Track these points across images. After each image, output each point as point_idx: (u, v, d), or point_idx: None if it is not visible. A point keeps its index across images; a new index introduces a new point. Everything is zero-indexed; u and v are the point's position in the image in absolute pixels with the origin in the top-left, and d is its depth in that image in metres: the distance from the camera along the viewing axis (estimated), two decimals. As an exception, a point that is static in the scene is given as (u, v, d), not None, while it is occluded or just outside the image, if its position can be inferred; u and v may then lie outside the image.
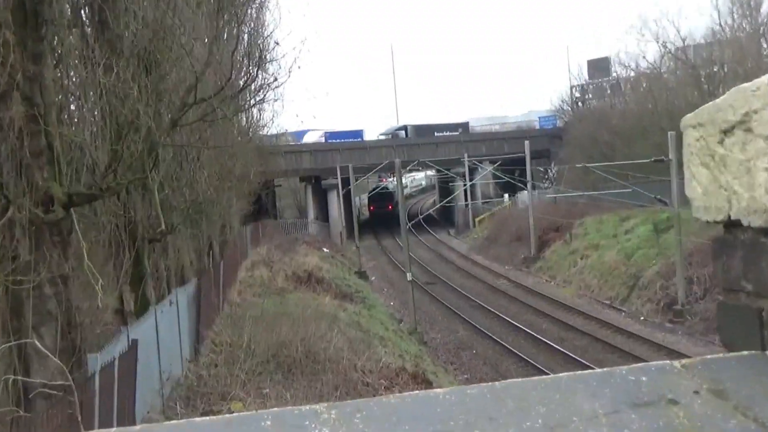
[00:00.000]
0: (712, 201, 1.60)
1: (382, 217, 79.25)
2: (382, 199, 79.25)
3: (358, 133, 64.93)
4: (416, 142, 64.42)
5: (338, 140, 60.69)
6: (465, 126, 71.06)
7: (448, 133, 67.41)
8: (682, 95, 42.67)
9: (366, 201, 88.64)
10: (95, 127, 10.74)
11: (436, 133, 66.47)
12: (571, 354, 24.59)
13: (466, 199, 61.74)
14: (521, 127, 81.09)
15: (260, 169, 30.71)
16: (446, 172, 60.64)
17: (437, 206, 63.58)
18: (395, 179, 30.02)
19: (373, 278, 44.19)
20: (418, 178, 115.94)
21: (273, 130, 35.75)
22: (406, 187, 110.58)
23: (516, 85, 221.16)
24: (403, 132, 66.83)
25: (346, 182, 53.82)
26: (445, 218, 76.37)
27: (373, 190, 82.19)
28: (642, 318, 28.10)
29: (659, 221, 32.80)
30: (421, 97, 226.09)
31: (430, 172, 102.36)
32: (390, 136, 65.79)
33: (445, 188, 70.75)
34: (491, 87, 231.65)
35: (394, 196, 78.13)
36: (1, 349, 7.08)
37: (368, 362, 16.90)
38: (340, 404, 1.30)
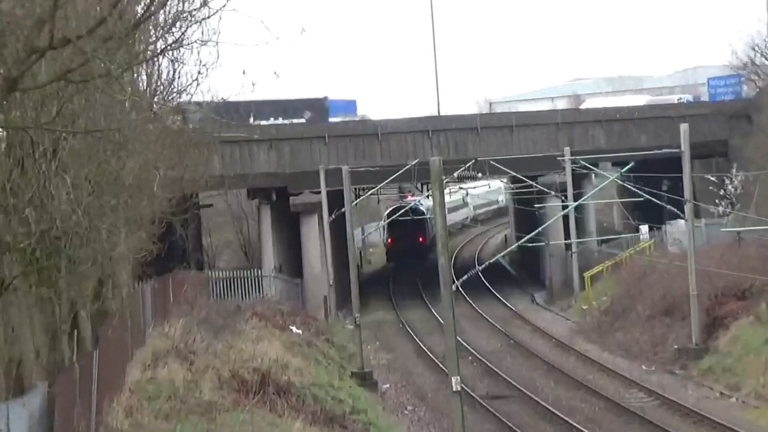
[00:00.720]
0: None
1: (408, 258, 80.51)
2: (408, 227, 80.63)
3: None
4: (472, 126, 64.82)
5: None
6: (318, 106, 70.70)
7: (282, 121, 65.89)
8: None
9: (375, 234, 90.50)
10: None
11: (253, 120, 64.37)
12: None
13: (566, 236, 61.66)
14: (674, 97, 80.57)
15: (174, 173, 31.37)
16: (529, 182, 60.37)
17: (511, 248, 63.46)
18: (431, 193, 29.84)
19: (386, 386, 44.55)
20: (479, 192, 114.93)
21: (197, 97, 35.99)
22: (461, 206, 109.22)
23: (662, 23, 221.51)
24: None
25: (337, 199, 53.56)
26: (525, 269, 76.28)
27: (394, 212, 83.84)
28: None
29: None
30: (485, 48, 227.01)
31: (498, 183, 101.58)
32: None
33: (526, 213, 70.67)
34: (614, 27, 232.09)
35: (429, 225, 79.40)
36: None
37: None
38: None
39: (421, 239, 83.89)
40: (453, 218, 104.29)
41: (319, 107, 70.47)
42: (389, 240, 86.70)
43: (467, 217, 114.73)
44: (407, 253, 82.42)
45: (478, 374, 45.81)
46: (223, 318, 40.71)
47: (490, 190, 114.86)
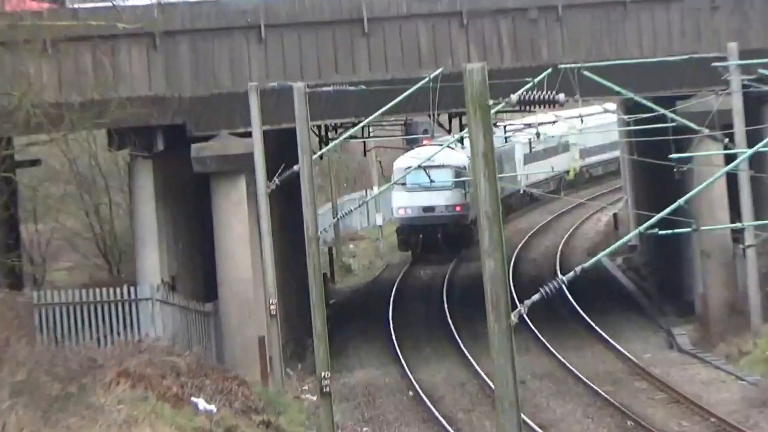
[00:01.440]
0: None
1: (435, 244, 69.50)
2: (435, 191, 70.85)
3: None
4: (545, 3, 47.47)
5: None
6: None
7: None
8: None
9: (360, 214, 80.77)
10: None
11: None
12: None
13: (735, 216, 46.78)
14: None
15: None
16: (660, 111, 42.92)
17: (625, 239, 47.04)
18: (468, 132, 20.23)
19: None
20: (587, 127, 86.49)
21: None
22: (559, 150, 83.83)
23: None
24: None
25: (284, 148, 42.32)
26: (654, 280, 59.76)
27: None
28: None
29: None
30: None
31: (598, 111, 76.31)
32: None
33: (655, 172, 53.83)
34: None
35: (467, 190, 66.86)
36: None
37: None
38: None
39: (458, 209, 71.56)
40: (537, 173, 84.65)
41: None
42: (402, 211, 72.88)
43: (567, 173, 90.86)
44: (433, 235, 70.06)
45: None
46: (63, 381, 32.91)
47: (607, 123, 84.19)
